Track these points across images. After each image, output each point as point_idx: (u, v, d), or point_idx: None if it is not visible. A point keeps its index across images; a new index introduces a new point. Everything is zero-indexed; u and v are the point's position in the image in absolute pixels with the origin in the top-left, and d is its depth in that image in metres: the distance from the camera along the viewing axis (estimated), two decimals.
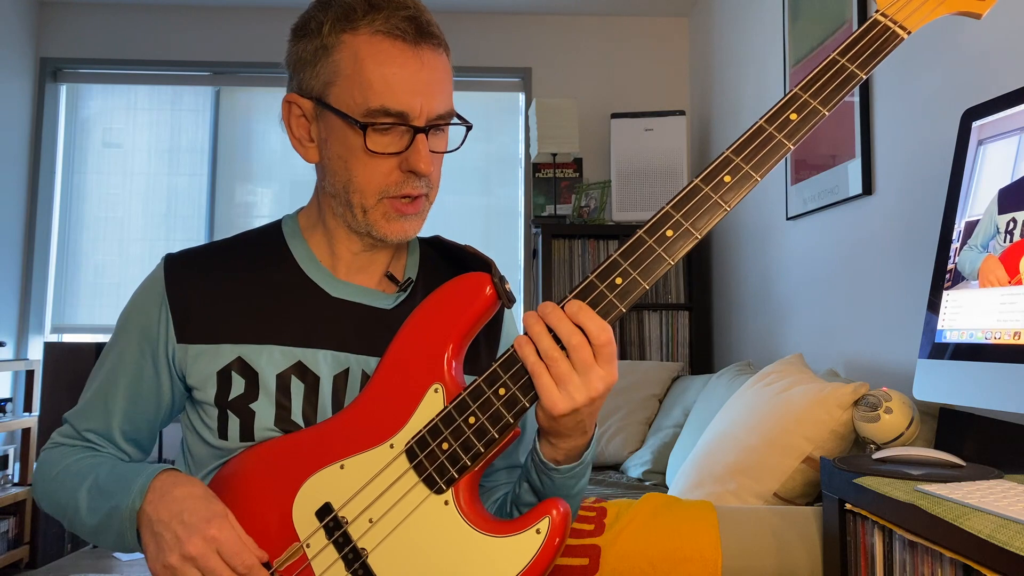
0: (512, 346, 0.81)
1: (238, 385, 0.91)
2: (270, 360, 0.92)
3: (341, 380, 0.93)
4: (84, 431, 0.97)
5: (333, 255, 0.96)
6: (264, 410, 0.91)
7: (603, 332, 0.77)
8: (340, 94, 0.88)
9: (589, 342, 0.77)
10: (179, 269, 0.96)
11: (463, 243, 1.01)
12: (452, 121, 0.92)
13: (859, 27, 0.84)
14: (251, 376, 0.91)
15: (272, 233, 1.00)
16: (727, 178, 0.80)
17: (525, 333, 0.80)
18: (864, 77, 0.82)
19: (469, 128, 0.94)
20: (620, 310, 0.79)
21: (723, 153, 0.81)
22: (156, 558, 0.82)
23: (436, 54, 0.89)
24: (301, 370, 0.92)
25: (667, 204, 0.81)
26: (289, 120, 0.94)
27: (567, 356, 0.77)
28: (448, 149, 0.95)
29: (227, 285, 0.94)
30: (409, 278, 0.99)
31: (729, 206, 0.80)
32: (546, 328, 0.78)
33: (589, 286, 0.80)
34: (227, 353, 0.92)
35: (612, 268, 0.80)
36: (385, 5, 0.87)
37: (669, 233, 0.80)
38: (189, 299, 0.94)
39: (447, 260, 1.02)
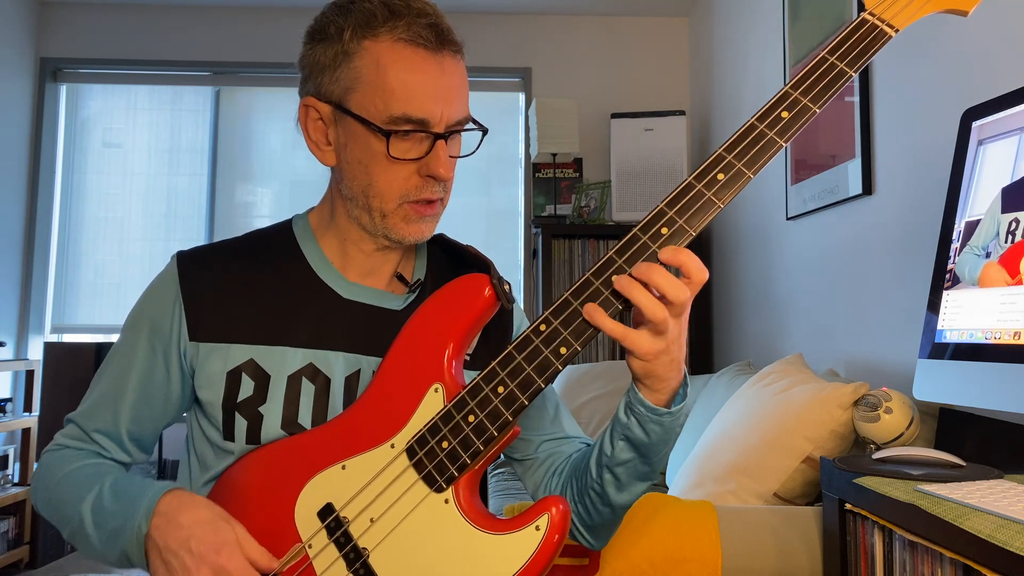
0: (510, 345, 0.81)
1: (247, 387, 0.91)
2: (282, 362, 0.92)
3: (353, 381, 0.93)
4: (92, 431, 0.97)
5: (344, 256, 0.97)
6: (272, 413, 0.91)
7: (703, 272, 0.78)
8: (361, 100, 0.88)
9: (688, 281, 0.78)
10: (192, 266, 0.96)
11: (464, 243, 1.01)
12: (468, 127, 0.93)
13: (851, 22, 0.85)
14: (262, 378, 0.91)
15: (283, 233, 1.00)
16: (720, 176, 0.81)
17: (592, 296, 0.79)
18: (853, 75, 0.83)
19: (485, 132, 0.95)
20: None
21: (716, 151, 0.82)
22: None
23: (455, 60, 0.90)
24: (312, 372, 0.92)
25: (661, 202, 0.81)
26: (306, 123, 0.94)
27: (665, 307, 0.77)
28: (463, 153, 0.96)
29: (239, 284, 0.95)
30: (418, 279, 0.99)
31: (723, 203, 0.80)
32: (640, 286, 0.77)
33: (585, 284, 0.80)
34: (239, 354, 0.92)
35: (608, 265, 0.80)
36: (406, 12, 0.87)
37: (664, 231, 0.80)
38: (203, 297, 0.94)
39: (452, 260, 1.03)
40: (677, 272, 0.78)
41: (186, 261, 0.97)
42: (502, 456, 0.98)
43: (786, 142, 0.81)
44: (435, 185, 0.91)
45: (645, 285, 0.77)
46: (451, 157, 0.92)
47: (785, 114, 0.82)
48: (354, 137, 0.89)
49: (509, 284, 0.91)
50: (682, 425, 0.89)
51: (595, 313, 0.78)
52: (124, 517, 0.85)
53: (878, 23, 0.83)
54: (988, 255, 1.13)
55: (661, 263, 0.78)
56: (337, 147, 0.92)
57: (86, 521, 0.89)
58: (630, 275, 0.78)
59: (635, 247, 0.80)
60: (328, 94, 0.90)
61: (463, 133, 0.94)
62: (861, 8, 0.85)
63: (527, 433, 1.00)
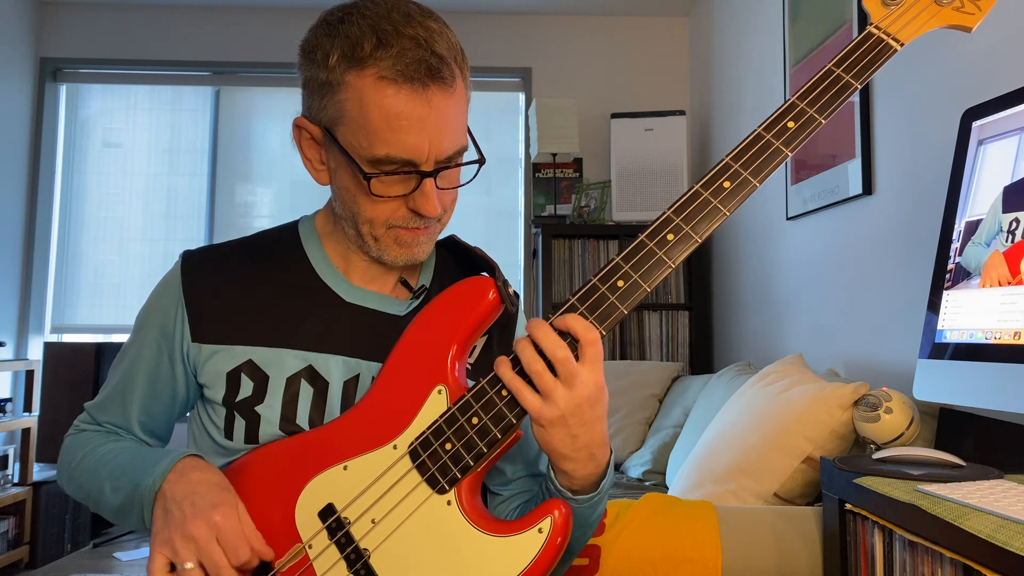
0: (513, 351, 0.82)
1: (246, 387, 0.92)
2: (281, 364, 0.92)
3: (351, 386, 0.93)
4: (104, 423, 0.99)
5: (348, 260, 0.97)
6: (270, 414, 0.91)
7: (589, 331, 0.78)
8: (346, 134, 0.85)
9: (576, 343, 0.78)
10: (196, 267, 0.96)
11: (473, 245, 1.01)
12: (460, 162, 0.90)
13: (857, 34, 0.87)
14: (260, 379, 0.92)
15: (288, 234, 1.00)
16: (726, 184, 0.82)
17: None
18: (859, 87, 0.84)
19: (482, 163, 0.92)
20: (622, 312, 0.80)
21: (722, 160, 0.83)
22: (159, 531, 0.83)
23: (446, 93, 0.85)
24: (311, 375, 0.92)
25: (668, 209, 0.82)
26: (300, 142, 0.92)
27: (552, 369, 0.78)
28: (459, 184, 0.93)
29: (242, 285, 0.95)
30: (423, 285, 0.99)
31: (728, 211, 0.81)
32: (531, 343, 0.79)
33: (591, 289, 0.81)
34: (239, 354, 0.92)
35: (614, 271, 0.81)
36: (395, 42, 0.82)
37: (670, 237, 0.81)
38: (205, 298, 0.94)
39: (460, 263, 1.02)
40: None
41: (190, 262, 0.97)
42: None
43: (792, 152, 0.82)
44: (422, 219, 0.89)
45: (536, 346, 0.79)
46: (443, 189, 0.89)
47: (791, 124, 0.83)
48: (342, 166, 0.88)
49: (515, 290, 0.91)
50: (596, 515, 0.90)
51: (501, 365, 0.80)
52: (142, 477, 0.87)
53: (884, 37, 0.85)
54: (991, 248, 1.13)
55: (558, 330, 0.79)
56: (329, 170, 0.92)
57: (106, 488, 0.91)
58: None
59: (641, 253, 0.81)
60: (319, 119, 0.88)
61: (463, 153, 0.91)
62: (863, 10, 0.87)
63: (506, 466, 0.99)
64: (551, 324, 0.79)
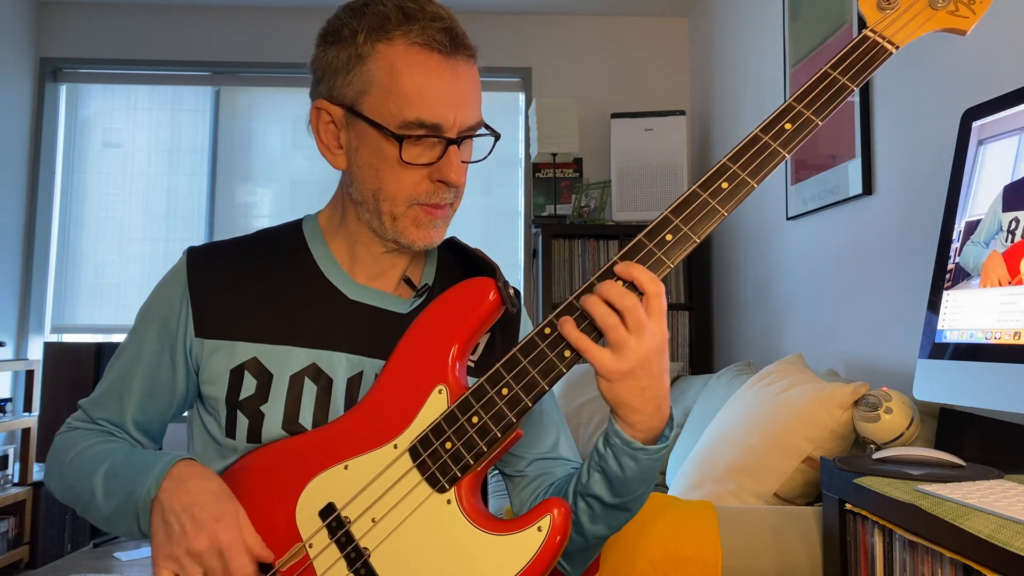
0: (515, 348, 0.82)
1: (249, 385, 0.92)
2: (285, 361, 0.92)
3: (355, 382, 0.93)
4: (98, 419, 0.99)
5: (353, 258, 0.97)
6: (273, 412, 0.91)
7: (654, 283, 0.79)
8: (374, 104, 0.87)
9: (641, 296, 0.78)
10: (202, 263, 0.96)
11: (473, 246, 1.01)
12: (480, 132, 0.93)
13: (856, 35, 0.88)
14: (264, 377, 0.92)
15: (293, 232, 1.00)
16: (724, 184, 0.82)
17: (569, 311, 0.81)
18: (855, 89, 0.85)
19: (497, 138, 0.94)
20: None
21: (720, 161, 0.84)
22: (161, 546, 0.83)
23: (469, 65, 0.90)
24: (315, 372, 0.92)
25: (667, 209, 0.83)
26: (317, 126, 0.93)
27: (622, 321, 0.78)
28: (475, 159, 0.95)
29: (247, 282, 0.95)
30: (426, 284, 1.00)
31: (726, 212, 0.82)
32: (599, 299, 0.79)
33: (590, 288, 0.81)
34: (243, 351, 0.93)
35: (610, 272, 0.81)
36: (420, 16, 0.87)
37: (668, 237, 0.82)
38: (210, 293, 0.94)
39: (461, 264, 1.03)
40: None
41: (195, 257, 0.97)
42: (495, 467, 0.97)
43: (789, 153, 0.83)
44: (446, 191, 0.90)
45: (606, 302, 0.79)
46: (463, 163, 0.91)
47: (788, 126, 0.84)
48: (366, 141, 0.89)
49: (516, 289, 0.91)
50: (661, 469, 0.88)
51: (565, 324, 0.80)
52: (135, 483, 0.86)
53: (879, 40, 0.86)
54: (990, 248, 1.13)
55: (617, 276, 0.80)
56: (348, 150, 0.92)
57: (98, 492, 0.90)
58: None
59: (641, 253, 0.82)
60: (340, 97, 0.90)
61: (475, 138, 0.94)
62: (862, 21, 0.88)
63: (522, 450, 0.99)
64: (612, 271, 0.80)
